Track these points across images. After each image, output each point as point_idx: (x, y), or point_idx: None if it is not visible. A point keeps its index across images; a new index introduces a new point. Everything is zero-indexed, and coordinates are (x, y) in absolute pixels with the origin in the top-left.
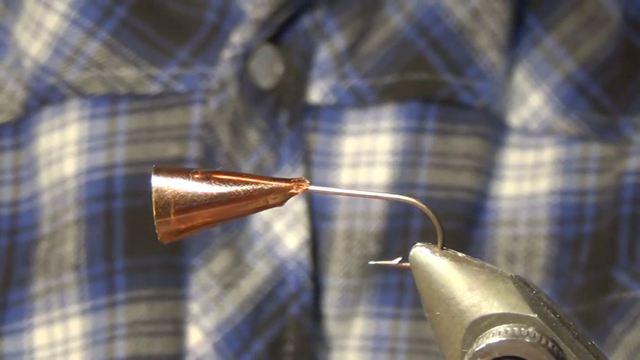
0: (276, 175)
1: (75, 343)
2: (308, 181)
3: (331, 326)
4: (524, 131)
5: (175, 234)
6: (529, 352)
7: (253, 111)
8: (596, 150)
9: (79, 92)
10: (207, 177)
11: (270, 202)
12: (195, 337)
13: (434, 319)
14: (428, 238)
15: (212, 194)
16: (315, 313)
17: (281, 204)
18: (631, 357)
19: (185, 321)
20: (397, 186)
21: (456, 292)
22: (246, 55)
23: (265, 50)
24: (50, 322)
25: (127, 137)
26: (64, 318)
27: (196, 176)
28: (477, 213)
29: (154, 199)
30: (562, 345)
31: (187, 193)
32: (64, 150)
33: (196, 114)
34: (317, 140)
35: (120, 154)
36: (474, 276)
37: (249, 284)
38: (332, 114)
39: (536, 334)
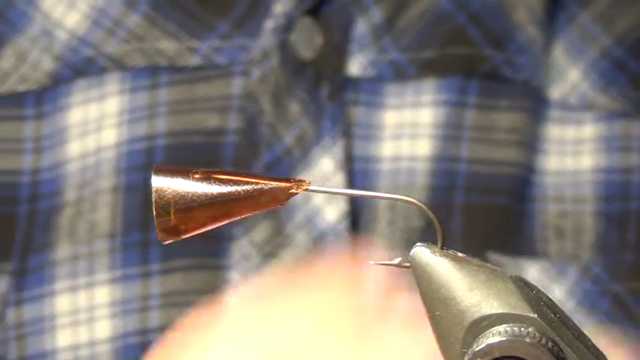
0: (316, 149)
1: (101, 310)
2: (308, 181)
3: None
4: (564, 105)
5: (175, 234)
6: (529, 352)
7: (294, 83)
8: (638, 127)
9: (119, 64)
10: (207, 177)
11: (271, 202)
12: None
13: (434, 319)
14: (472, 212)
15: (212, 194)
16: None
17: (282, 204)
18: None
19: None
20: (440, 159)
21: (455, 292)
22: (287, 26)
23: (305, 22)
24: (74, 289)
25: (167, 108)
26: (90, 285)
27: (196, 176)
28: (524, 187)
29: (153, 199)
30: (562, 345)
31: (187, 193)
32: (103, 121)
33: (237, 85)
34: (358, 113)
35: (161, 124)
36: (474, 276)
37: (289, 254)
38: (372, 87)
39: (537, 334)
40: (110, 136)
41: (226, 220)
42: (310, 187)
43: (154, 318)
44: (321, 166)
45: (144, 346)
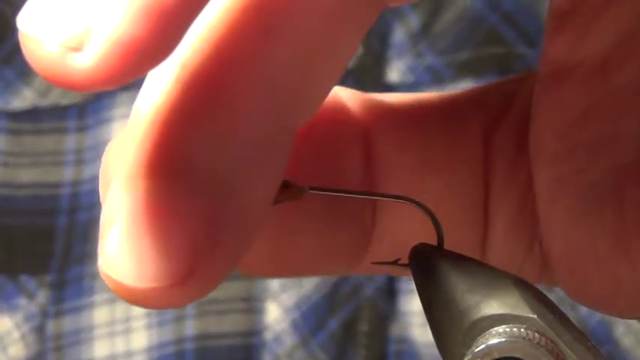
0: None
1: (138, 322)
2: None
3: (403, 302)
4: None
5: None
6: (529, 353)
7: None
8: None
9: None
10: None
11: None
12: (274, 313)
13: (433, 320)
14: None
15: None
16: (390, 290)
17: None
18: None
19: (262, 298)
20: None
21: (455, 292)
22: None
23: None
24: (112, 301)
25: None
26: None
27: None
28: None
29: None
30: (562, 346)
31: None
32: None
33: None
34: None
35: None
36: (474, 276)
37: None
38: (411, 92)
39: (536, 334)
40: None
41: None
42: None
43: (189, 327)
44: None
45: (179, 355)
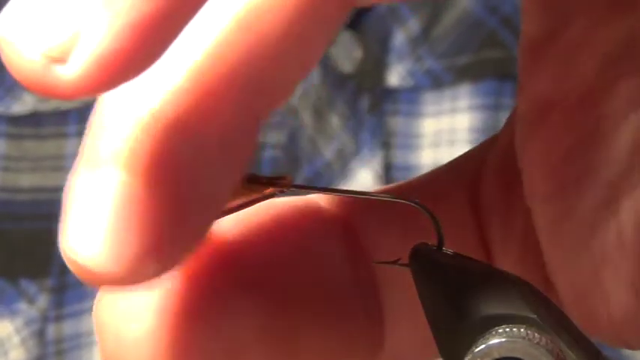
0: (355, 160)
1: None
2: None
3: None
4: None
5: None
6: (529, 353)
7: (336, 96)
8: None
9: None
10: None
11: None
12: None
13: (433, 320)
14: None
15: None
16: None
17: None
18: None
19: None
20: None
21: (455, 292)
22: None
23: (345, 36)
24: None
25: None
26: None
27: None
28: None
29: None
30: (562, 346)
31: None
32: None
33: None
34: (397, 123)
35: None
36: (474, 276)
37: None
38: (410, 96)
39: (536, 334)
40: None
41: None
42: (295, 186)
43: None
44: (360, 179)
45: None
